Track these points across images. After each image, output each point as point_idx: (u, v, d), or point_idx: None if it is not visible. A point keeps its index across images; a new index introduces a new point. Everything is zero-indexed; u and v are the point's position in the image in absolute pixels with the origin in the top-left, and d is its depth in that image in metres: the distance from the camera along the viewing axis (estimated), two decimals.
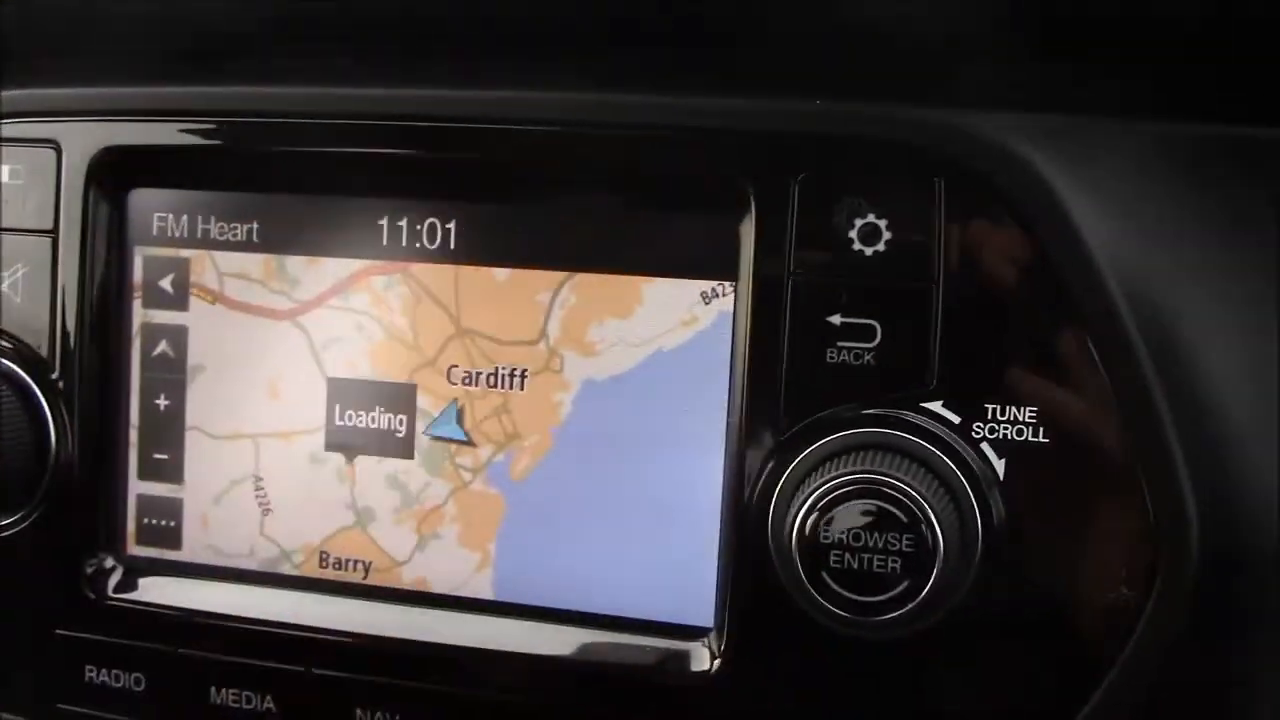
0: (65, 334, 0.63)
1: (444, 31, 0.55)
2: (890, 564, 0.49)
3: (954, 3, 0.51)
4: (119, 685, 0.63)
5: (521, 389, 0.57)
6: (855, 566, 0.49)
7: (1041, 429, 0.51)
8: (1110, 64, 0.53)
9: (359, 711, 0.60)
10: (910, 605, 0.49)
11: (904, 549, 0.49)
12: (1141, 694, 0.52)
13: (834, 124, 0.53)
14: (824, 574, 0.50)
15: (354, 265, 0.60)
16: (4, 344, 0.63)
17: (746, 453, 0.54)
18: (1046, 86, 0.53)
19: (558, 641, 0.58)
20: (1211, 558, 0.52)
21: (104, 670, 0.63)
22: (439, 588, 0.60)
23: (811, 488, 0.50)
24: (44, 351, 0.63)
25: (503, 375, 0.57)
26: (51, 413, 0.63)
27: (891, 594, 0.49)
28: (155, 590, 0.63)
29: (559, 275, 0.57)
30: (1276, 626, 0.53)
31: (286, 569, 0.61)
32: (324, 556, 0.61)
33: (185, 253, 0.63)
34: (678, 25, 0.53)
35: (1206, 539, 0.51)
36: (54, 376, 0.63)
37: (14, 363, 0.63)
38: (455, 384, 0.58)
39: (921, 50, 0.53)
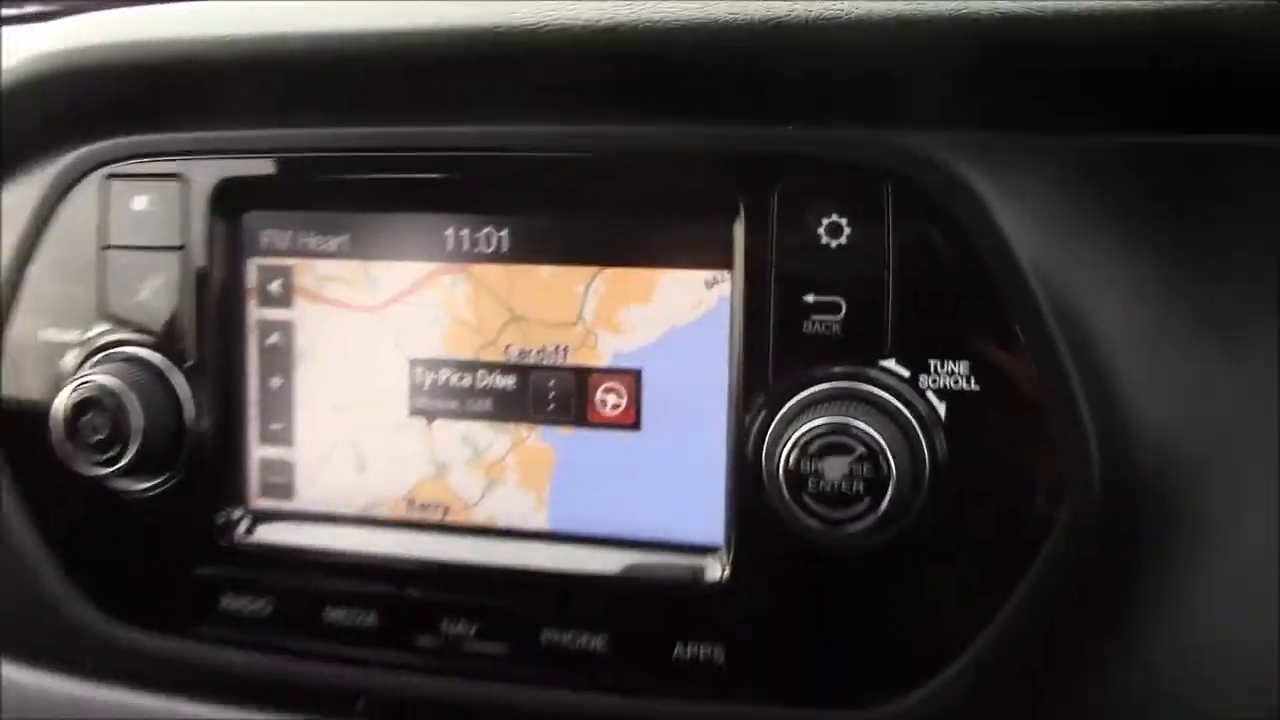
0: (196, 330, 0.69)
1: (499, 82, 0.64)
2: (855, 487, 0.57)
3: (899, 49, 0.59)
4: (249, 611, 0.70)
5: (565, 361, 0.66)
6: (828, 490, 0.57)
7: (974, 379, 0.59)
8: (1036, 88, 0.60)
9: (444, 623, 0.66)
10: (870, 520, 0.57)
11: (865, 476, 0.57)
12: (1049, 603, 0.59)
13: (804, 145, 0.61)
14: (804, 496, 0.57)
15: (427, 267, 0.67)
16: (147, 339, 0.70)
17: (745, 405, 0.61)
18: (979, 108, 0.61)
19: (601, 561, 0.65)
20: (1110, 488, 0.58)
21: (235, 599, 0.70)
22: (504, 523, 0.67)
23: (794, 431, 0.58)
24: (180, 345, 0.69)
25: (549, 351, 0.66)
26: (187, 395, 0.69)
27: (855, 511, 0.57)
28: (274, 534, 0.70)
29: (592, 270, 0.65)
30: (1163, 554, 0.59)
31: (381, 513, 0.69)
32: (410, 502, 0.68)
33: (290, 261, 0.69)
34: (683, 74, 0.62)
35: (1106, 472, 0.58)
36: (189, 365, 0.69)
37: (156, 354, 0.69)
38: (512, 359, 0.66)
39: (874, 82, 0.61)
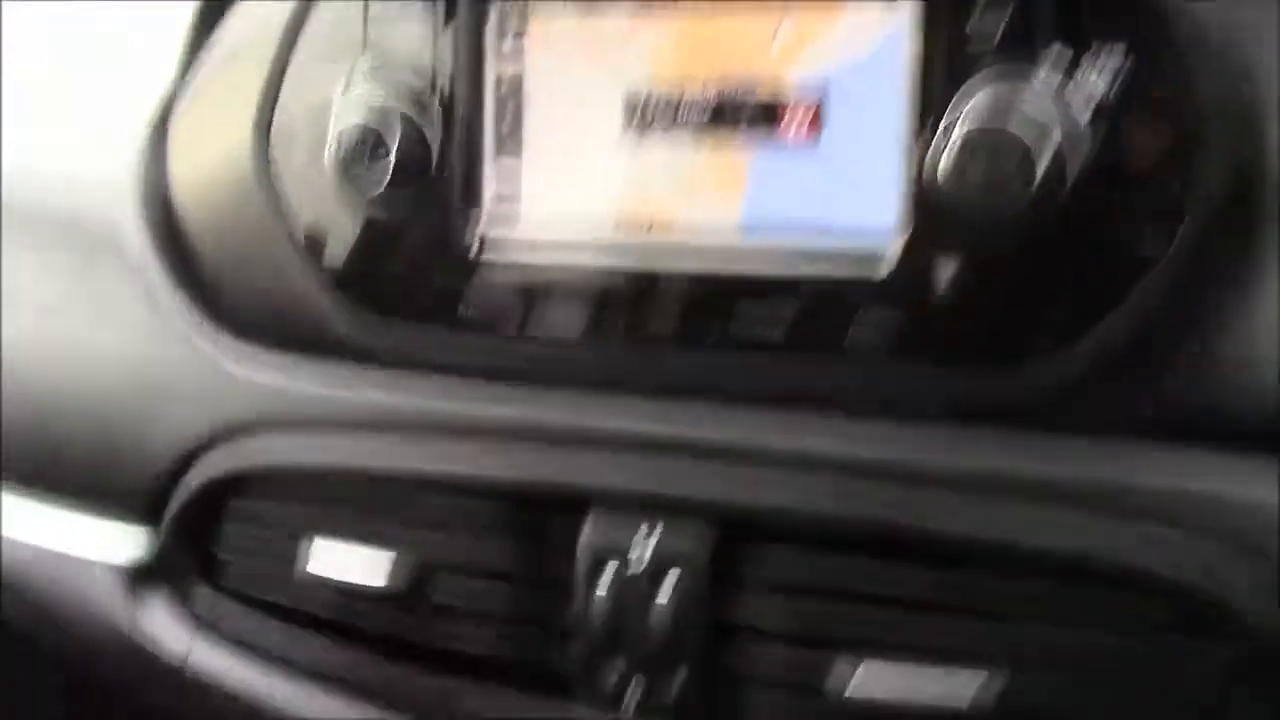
0: (445, 74, 0.78)
1: None
2: (1009, 173, 0.64)
3: None
4: (475, 316, 0.80)
5: (757, 89, 0.72)
6: (985, 179, 0.64)
7: (1120, 87, 0.64)
8: None
9: (650, 320, 0.75)
10: (1023, 203, 0.63)
11: (1020, 162, 0.63)
12: (1178, 278, 0.64)
13: None
14: (966, 185, 0.64)
15: (640, 10, 0.73)
16: (404, 82, 0.77)
17: (918, 112, 0.67)
18: None
19: (788, 262, 0.72)
20: (1236, 185, 0.64)
21: (470, 306, 0.80)
22: (703, 231, 0.73)
23: (959, 131, 0.65)
24: (430, 88, 0.78)
25: (744, 80, 0.71)
26: (435, 131, 0.77)
27: (1010, 194, 0.64)
28: (502, 252, 0.79)
29: (780, 6, 0.71)
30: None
31: (594, 231, 0.76)
32: (619, 221, 0.75)
33: (523, 6, 0.75)
34: None
35: (1234, 174, 0.63)
36: (437, 105, 0.78)
37: (411, 96, 0.77)
38: (711, 89, 0.72)
39: None
